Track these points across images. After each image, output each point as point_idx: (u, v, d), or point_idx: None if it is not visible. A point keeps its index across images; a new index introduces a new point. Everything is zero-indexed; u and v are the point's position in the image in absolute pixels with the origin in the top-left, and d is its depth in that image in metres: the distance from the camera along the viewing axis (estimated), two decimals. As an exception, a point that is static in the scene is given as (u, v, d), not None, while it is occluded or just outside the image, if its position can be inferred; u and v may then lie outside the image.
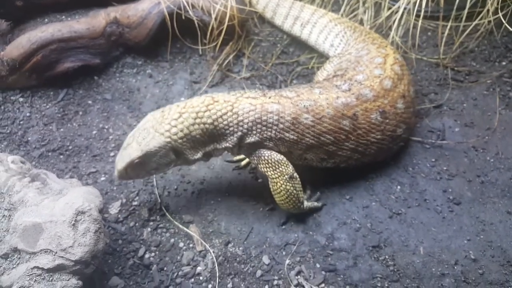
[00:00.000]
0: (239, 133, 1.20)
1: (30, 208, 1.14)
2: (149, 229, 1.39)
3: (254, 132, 1.21)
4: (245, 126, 1.20)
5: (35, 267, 1.04)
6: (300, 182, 1.28)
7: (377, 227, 1.37)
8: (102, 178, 1.55)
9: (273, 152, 1.25)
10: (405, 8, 1.91)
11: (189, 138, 1.16)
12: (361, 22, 2.08)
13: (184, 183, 1.53)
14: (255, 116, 1.19)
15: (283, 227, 1.38)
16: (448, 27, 1.84)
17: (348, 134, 1.29)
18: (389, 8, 1.98)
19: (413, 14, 1.86)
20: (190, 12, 1.84)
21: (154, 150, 1.14)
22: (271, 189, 1.29)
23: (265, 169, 1.25)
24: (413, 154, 1.57)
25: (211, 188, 1.51)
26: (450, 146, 1.59)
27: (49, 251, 1.04)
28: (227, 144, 1.22)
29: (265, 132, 1.22)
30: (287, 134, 1.23)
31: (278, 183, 1.25)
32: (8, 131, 1.70)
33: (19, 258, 1.09)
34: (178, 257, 1.32)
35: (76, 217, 1.06)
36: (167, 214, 1.42)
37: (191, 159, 1.22)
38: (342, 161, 1.38)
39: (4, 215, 1.16)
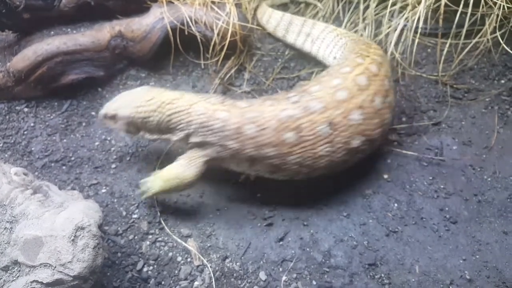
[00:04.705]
0: (186, 131, 1.33)
1: (31, 221, 1.16)
2: (148, 242, 1.41)
3: (200, 133, 1.31)
4: (193, 126, 1.31)
5: (34, 280, 1.05)
6: (178, 188, 1.37)
7: (374, 245, 1.38)
8: (103, 190, 1.57)
9: (198, 159, 1.34)
10: (405, 25, 1.94)
11: (148, 122, 1.34)
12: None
13: (183, 196, 1.55)
14: (203, 119, 1.30)
15: (281, 243, 1.40)
16: (448, 44, 1.87)
17: (292, 147, 1.29)
18: (389, 26, 2.01)
19: (411, 30, 1.88)
20: (193, 28, 1.87)
21: (122, 116, 1.37)
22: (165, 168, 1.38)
23: (182, 155, 1.36)
24: (410, 172, 1.58)
25: (210, 202, 1.53)
26: (448, 164, 1.61)
27: (48, 265, 1.06)
28: (176, 138, 1.35)
29: (209, 136, 1.31)
30: (229, 142, 1.29)
31: (169, 172, 1.36)
32: (12, 141, 1.73)
33: (19, 271, 1.11)
34: (176, 271, 1.34)
35: (75, 233, 1.08)
36: (166, 227, 1.44)
37: (147, 138, 1.41)
38: (293, 174, 1.36)
39: (5, 228, 1.18)
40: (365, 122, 1.34)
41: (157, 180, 1.38)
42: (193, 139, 1.33)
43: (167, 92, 1.36)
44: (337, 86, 1.36)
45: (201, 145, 1.33)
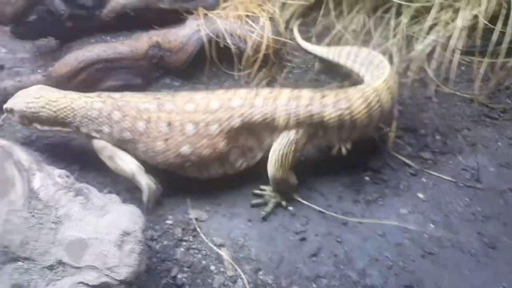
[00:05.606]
0: (75, 124, 1.55)
1: (74, 222, 1.20)
2: (182, 249, 1.43)
3: (84, 124, 1.53)
4: (78, 119, 1.53)
5: (80, 282, 1.08)
6: (125, 161, 1.51)
7: (410, 266, 1.36)
8: (139, 195, 1.60)
9: (99, 141, 1.54)
10: (435, 40, 1.91)
11: (38, 116, 1.56)
12: (391, 55, 2.10)
13: (215, 205, 1.57)
14: (84, 111, 1.52)
15: (314, 258, 1.39)
16: (484, 63, 1.85)
17: (141, 135, 1.47)
18: (422, 42, 1.99)
19: (447, 48, 1.86)
20: (228, 40, 1.92)
21: (17, 110, 1.58)
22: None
23: (99, 156, 1.55)
24: (446, 192, 1.56)
25: (242, 212, 1.54)
26: (485, 186, 1.57)
27: (94, 267, 1.09)
28: (69, 129, 1.58)
29: (91, 125, 1.52)
30: (104, 127, 1.51)
31: (107, 163, 1.54)
32: (52, 144, 1.79)
33: (64, 271, 1.14)
34: (209, 280, 1.35)
35: (122, 238, 1.10)
36: (201, 234, 1.46)
37: (39, 129, 1.62)
38: (153, 165, 1.51)
39: (51, 228, 1.21)
40: (195, 137, 1.48)
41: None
42: (83, 130, 1.55)
43: (54, 92, 1.58)
44: (193, 99, 1.50)
45: (89, 134, 1.54)
